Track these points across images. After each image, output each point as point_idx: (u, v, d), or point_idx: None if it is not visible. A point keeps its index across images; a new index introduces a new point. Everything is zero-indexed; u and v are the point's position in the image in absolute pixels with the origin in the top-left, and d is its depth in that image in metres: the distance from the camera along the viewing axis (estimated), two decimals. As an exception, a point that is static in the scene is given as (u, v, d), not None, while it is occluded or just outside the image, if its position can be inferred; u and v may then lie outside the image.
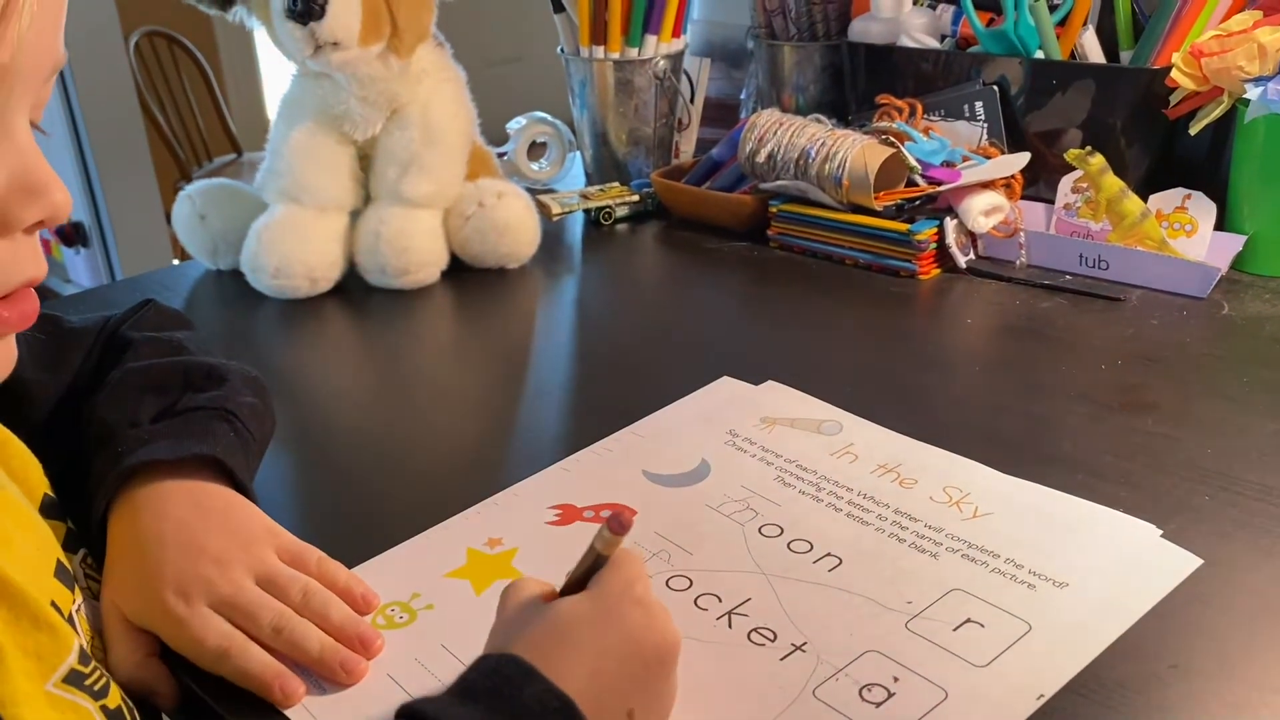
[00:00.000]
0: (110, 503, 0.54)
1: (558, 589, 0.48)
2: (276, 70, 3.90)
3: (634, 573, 0.47)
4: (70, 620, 0.48)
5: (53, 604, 0.46)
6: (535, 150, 1.28)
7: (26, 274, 0.43)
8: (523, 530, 0.62)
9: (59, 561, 0.50)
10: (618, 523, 0.45)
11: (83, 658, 0.46)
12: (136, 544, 0.52)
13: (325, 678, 0.51)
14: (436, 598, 0.56)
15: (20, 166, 0.41)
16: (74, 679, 0.46)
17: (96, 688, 0.47)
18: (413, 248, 0.95)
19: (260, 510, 0.56)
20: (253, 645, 0.50)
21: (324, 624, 0.52)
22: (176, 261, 2.93)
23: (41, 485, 0.53)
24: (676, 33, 1.15)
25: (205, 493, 0.55)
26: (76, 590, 0.50)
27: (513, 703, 0.40)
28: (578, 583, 0.47)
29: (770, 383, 0.77)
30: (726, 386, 0.77)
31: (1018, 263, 0.95)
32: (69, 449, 0.57)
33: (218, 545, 0.52)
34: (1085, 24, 1.00)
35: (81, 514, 0.55)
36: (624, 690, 0.44)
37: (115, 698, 0.48)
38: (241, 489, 0.56)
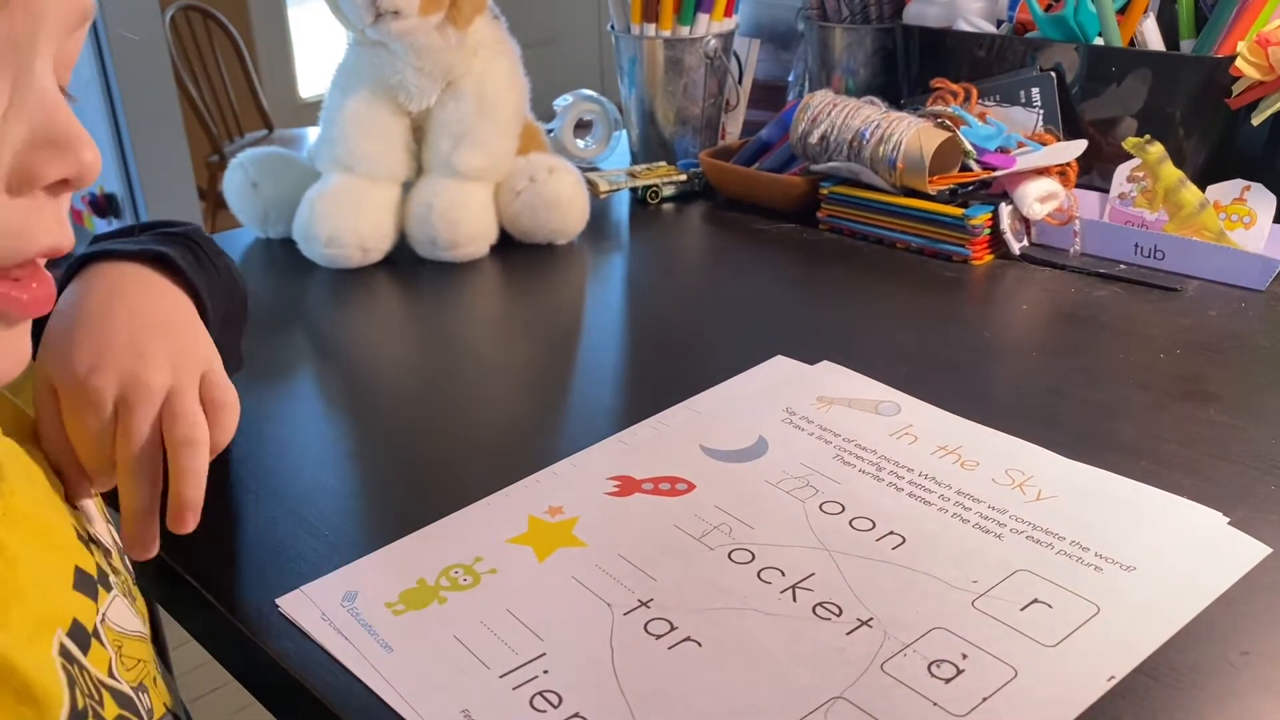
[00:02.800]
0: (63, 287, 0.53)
1: None
2: (309, 50, 3.93)
3: None
4: (95, 633, 0.44)
5: (74, 622, 0.43)
6: (580, 128, 1.28)
7: (47, 241, 0.39)
8: (583, 500, 0.62)
9: (77, 569, 0.45)
10: None
11: (74, 716, 0.42)
12: (79, 306, 0.52)
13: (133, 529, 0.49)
14: (499, 562, 0.56)
15: (44, 119, 0.38)
16: None
17: None
18: (464, 221, 0.95)
19: (206, 332, 0.55)
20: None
21: (175, 465, 0.49)
22: (208, 235, 2.94)
23: None
24: (729, 11, 1.14)
25: (158, 284, 0.55)
26: (101, 594, 0.46)
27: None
28: None
29: (826, 363, 0.76)
30: (781, 365, 0.77)
31: (1071, 250, 0.95)
32: None
33: (156, 344, 0.51)
34: (1146, 12, 0.99)
35: None
36: None
37: None
38: (194, 294, 0.56)
